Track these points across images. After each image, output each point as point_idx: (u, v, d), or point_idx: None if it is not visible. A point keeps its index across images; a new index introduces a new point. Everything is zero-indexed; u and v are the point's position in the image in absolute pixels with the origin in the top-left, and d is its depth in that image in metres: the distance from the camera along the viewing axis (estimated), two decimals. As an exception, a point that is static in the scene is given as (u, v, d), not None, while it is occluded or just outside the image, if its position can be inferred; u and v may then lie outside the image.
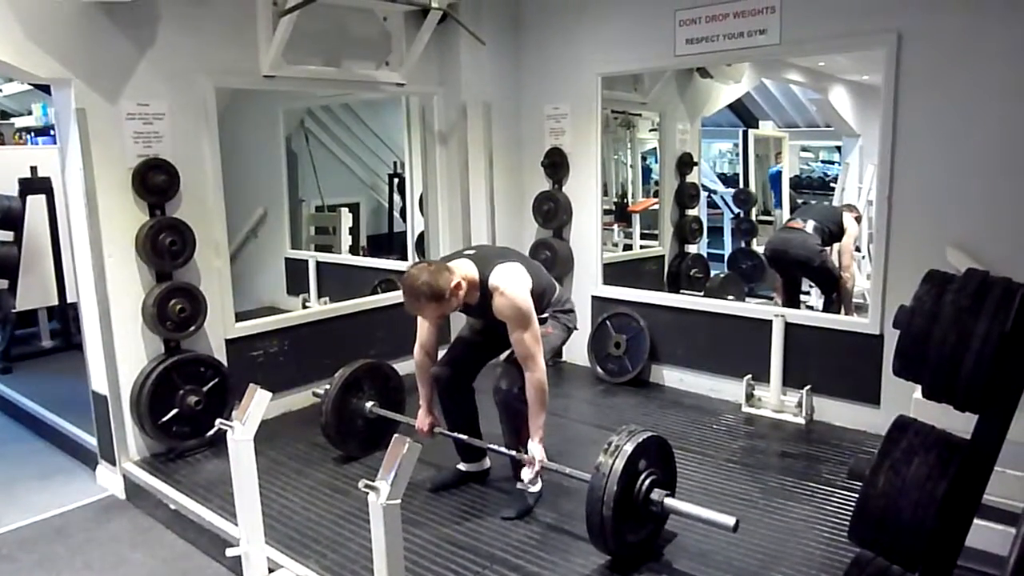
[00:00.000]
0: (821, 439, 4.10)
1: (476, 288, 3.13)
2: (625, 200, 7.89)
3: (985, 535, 2.35)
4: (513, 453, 3.25)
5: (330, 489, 3.60)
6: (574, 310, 3.52)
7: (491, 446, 3.37)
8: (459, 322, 3.72)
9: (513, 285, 3.08)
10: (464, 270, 3.11)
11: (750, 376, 4.53)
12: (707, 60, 5.12)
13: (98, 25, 3.65)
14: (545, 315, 3.33)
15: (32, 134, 8.41)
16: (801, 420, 4.31)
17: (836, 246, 5.74)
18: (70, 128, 3.65)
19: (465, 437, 3.45)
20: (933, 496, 1.65)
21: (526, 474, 3.20)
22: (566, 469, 3.09)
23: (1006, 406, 1.62)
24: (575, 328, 3.52)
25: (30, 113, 8.46)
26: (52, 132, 6.84)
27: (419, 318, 3.39)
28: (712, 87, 6.94)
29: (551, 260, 5.37)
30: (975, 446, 1.65)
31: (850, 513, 1.81)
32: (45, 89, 4.94)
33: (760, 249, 7.40)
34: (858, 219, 5.96)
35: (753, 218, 8.31)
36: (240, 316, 4.47)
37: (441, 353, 3.54)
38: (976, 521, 1.70)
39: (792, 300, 5.82)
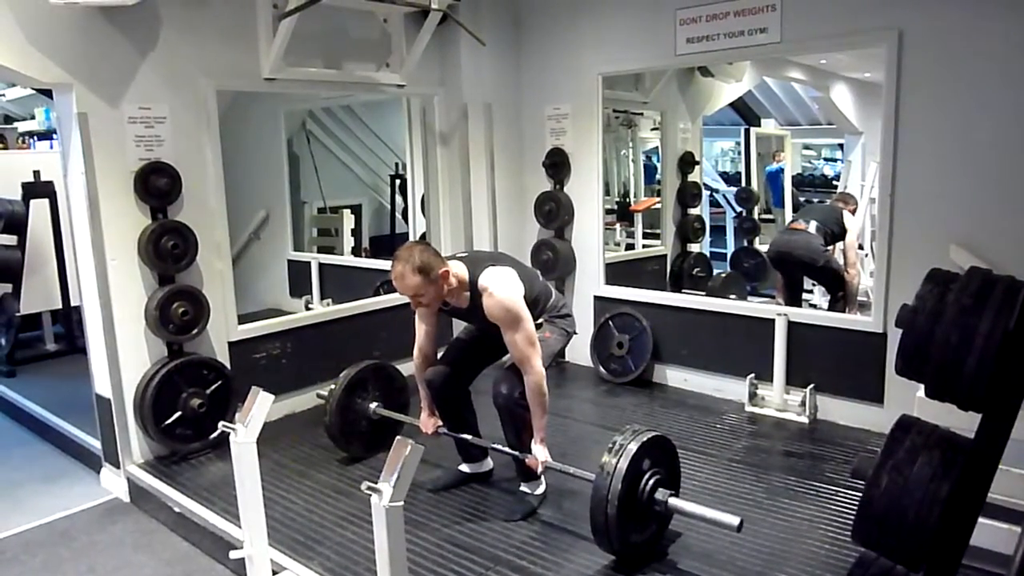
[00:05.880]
0: (825, 438, 4.09)
1: (465, 288, 3.12)
2: (627, 199, 7.89)
3: (990, 534, 2.35)
4: (516, 453, 3.24)
5: (333, 491, 3.60)
6: (571, 315, 3.49)
7: (494, 445, 3.37)
8: (459, 329, 3.71)
9: (502, 286, 3.05)
10: (455, 269, 3.10)
11: (753, 375, 4.53)
12: (708, 59, 5.12)
13: (99, 29, 3.65)
14: (540, 321, 3.30)
15: (35, 138, 8.43)
16: (805, 419, 4.30)
17: (839, 245, 5.74)
18: (72, 132, 3.65)
19: (469, 437, 3.45)
20: (937, 496, 1.64)
21: (529, 484, 3.20)
22: (570, 469, 3.09)
23: (1010, 405, 1.61)
24: (574, 332, 3.49)
25: (33, 117, 8.49)
26: (55, 136, 6.86)
27: (418, 321, 3.39)
28: (713, 86, 6.94)
29: (553, 260, 5.37)
30: (979, 445, 1.64)
31: (854, 513, 1.81)
32: (48, 93, 4.95)
33: (763, 248, 7.39)
34: (853, 210, 5.95)
35: (756, 217, 8.30)
36: (243, 318, 4.48)
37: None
38: (980, 520, 1.69)
39: (794, 299, 5.82)
